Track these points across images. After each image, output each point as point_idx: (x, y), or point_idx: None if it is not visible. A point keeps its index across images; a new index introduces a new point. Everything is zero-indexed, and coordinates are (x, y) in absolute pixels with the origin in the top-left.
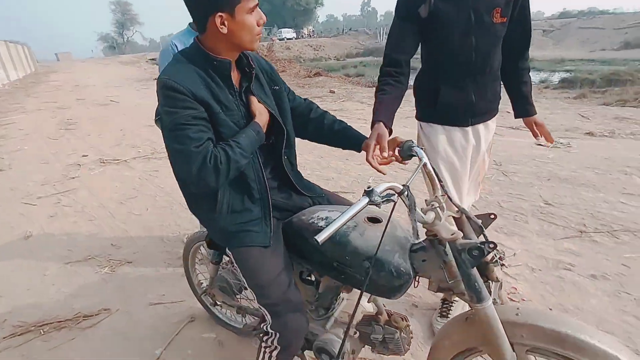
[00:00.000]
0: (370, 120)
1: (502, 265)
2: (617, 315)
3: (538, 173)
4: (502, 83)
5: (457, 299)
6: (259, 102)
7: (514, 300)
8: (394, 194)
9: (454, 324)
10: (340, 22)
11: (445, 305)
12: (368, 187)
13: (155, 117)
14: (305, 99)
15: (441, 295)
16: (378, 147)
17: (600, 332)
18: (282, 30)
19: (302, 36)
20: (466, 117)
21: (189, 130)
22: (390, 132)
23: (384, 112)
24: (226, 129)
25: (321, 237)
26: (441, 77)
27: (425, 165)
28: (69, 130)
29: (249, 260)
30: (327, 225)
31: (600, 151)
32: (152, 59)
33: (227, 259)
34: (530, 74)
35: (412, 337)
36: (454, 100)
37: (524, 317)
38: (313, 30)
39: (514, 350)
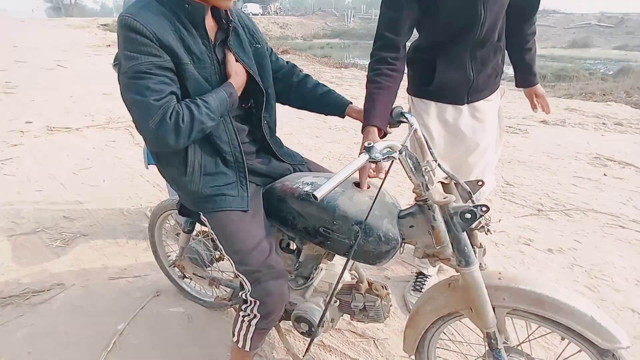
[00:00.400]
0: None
1: (488, 231)
2: (571, 286)
3: (500, 156)
4: (506, 52)
5: (431, 274)
6: (236, 60)
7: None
8: (394, 152)
9: (437, 290)
10: (309, 2)
11: (419, 280)
12: (368, 144)
13: (114, 61)
14: (287, 62)
15: (414, 269)
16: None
17: (576, 294)
18: (248, 4)
19: (269, 12)
20: (462, 95)
21: (150, 81)
22: (384, 136)
23: (379, 115)
24: (195, 84)
25: (320, 193)
26: (439, 51)
27: (415, 131)
28: (8, 95)
29: (227, 226)
30: (313, 189)
31: (553, 138)
32: (104, 25)
33: (200, 228)
34: (534, 33)
35: (391, 306)
36: (451, 78)
37: (506, 281)
38: (279, 7)
39: (494, 313)
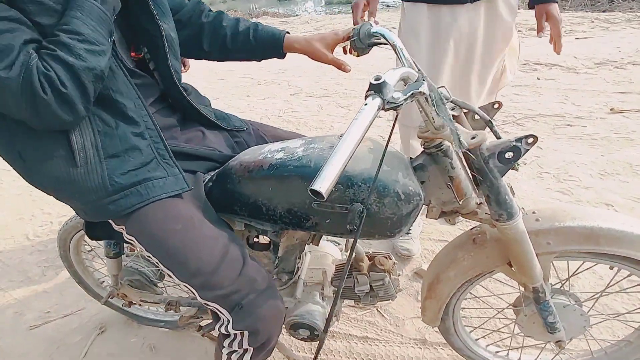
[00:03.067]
0: None
1: (517, 165)
2: (546, 194)
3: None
4: None
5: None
6: None
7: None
8: (419, 84)
9: (459, 250)
10: None
11: None
12: (376, 79)
13: None
14: None
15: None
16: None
17: (630, 217)
18: None
19: None
20: None
21: None
22: None
23: None
24: (47, 16)
25: (323, 187)
26: None
27: (402, 52)
28: None
29: (160, 237)
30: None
31: None
32: None
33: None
34: None
35: (399, 275)
36: None
37: (547, 222)
38: None
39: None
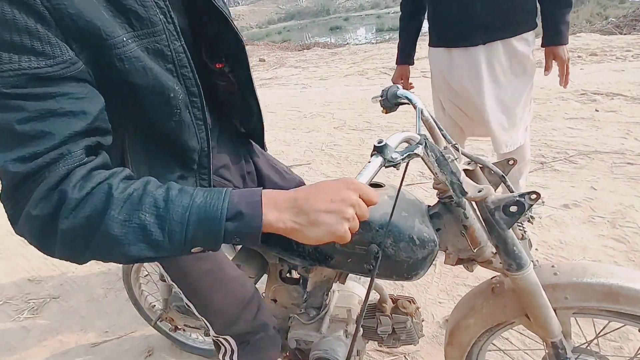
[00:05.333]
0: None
1: (532, 218)
2: (597, 242)
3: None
4: None
5: None
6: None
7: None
8: (416, 146)
9: (479, 297)
10: None
11: None
12: (379, 142)
13: None
14: None
15: None
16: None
17: None
18: None
19: None
20: (471, 33)
21: (20, 114)
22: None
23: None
24: (143, 76)
25: None
26: None
27: (422, 112)
28: None
29: (190, 273)
30: None
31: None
32: None
33: None
34: None
35: (423, 321)
36: (451, 10)
37: (565, 276)
38: None
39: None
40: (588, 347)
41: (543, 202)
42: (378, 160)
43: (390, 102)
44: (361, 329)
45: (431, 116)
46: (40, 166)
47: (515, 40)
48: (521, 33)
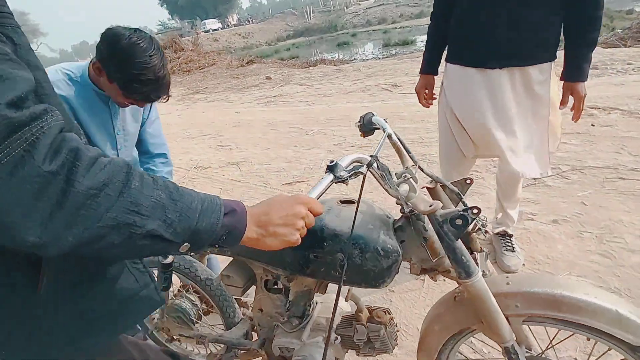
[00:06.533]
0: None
1: (486, 232)
2: (584, 257)
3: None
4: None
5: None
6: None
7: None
8: (362, 166)
9: (442, 306)
10: (266, 6)
11: (506, 240)
12: (331, 162)
13: None
14: None
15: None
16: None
17: (596, 288)
18: (206, 21)
19: (228, 25)
20: (490, 56)
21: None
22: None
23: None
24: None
25: None
26: (466, 2)
27: (390, 136)
28: None
29: None
30: None
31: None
32: None
33: (181, 283)
34: (595, 27)
35: (397, 330)
36: (473, 30)
37: (516, 286)
38: (239, 18)
39: (509, 324)
40: (543, 355)
41: (485, 217)
42: (329, 177)
43: (367, 127)
44: (339, 337)
45: (399, 139)
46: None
47: (532, 69)
48: (540, 63)
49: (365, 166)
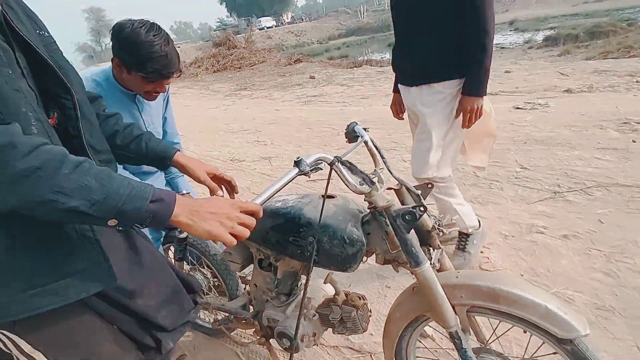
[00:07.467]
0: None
1: (442, 232)
2: (586, 274)
3: (515, 137)
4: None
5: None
6: (18, 33)
7: (486, 270)
8: (322, 163)
9: (403, 295)
10: (320, 4)
11: (461, 239)
12: (297, 158)
13: None
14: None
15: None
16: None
17: (532, 286)
18: (261, 19)
19: (282, 23)
20: (407, 75)
21: None
22: None
23: None
24: None
25: (259, 200)
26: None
27: (366, 142)
28: None
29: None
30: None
31: (577, 108)
32: None
33: (196, 256)
34: (474, 30)
35: (370, 315)
36: (398, 53)
37: (463, 279)
38: (293, 16)
39: (455, 313)
40: (488, 347)
41: (442, 217)
42: (294, 170)
43: (351, 135)
44: (317, 314)
45: (375, 146)
46: None
47: (439, 85)
48: (445, 80)
49: (325, 163)
